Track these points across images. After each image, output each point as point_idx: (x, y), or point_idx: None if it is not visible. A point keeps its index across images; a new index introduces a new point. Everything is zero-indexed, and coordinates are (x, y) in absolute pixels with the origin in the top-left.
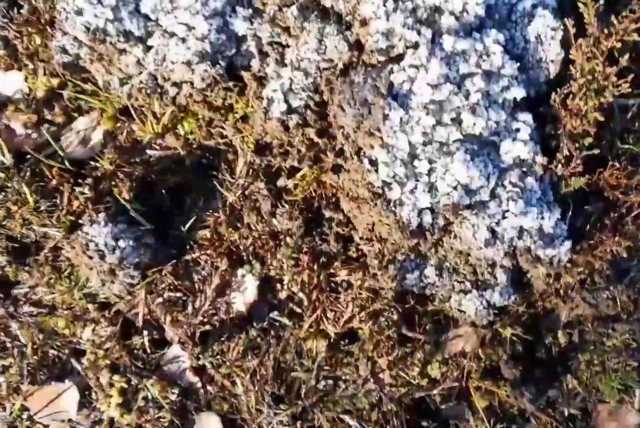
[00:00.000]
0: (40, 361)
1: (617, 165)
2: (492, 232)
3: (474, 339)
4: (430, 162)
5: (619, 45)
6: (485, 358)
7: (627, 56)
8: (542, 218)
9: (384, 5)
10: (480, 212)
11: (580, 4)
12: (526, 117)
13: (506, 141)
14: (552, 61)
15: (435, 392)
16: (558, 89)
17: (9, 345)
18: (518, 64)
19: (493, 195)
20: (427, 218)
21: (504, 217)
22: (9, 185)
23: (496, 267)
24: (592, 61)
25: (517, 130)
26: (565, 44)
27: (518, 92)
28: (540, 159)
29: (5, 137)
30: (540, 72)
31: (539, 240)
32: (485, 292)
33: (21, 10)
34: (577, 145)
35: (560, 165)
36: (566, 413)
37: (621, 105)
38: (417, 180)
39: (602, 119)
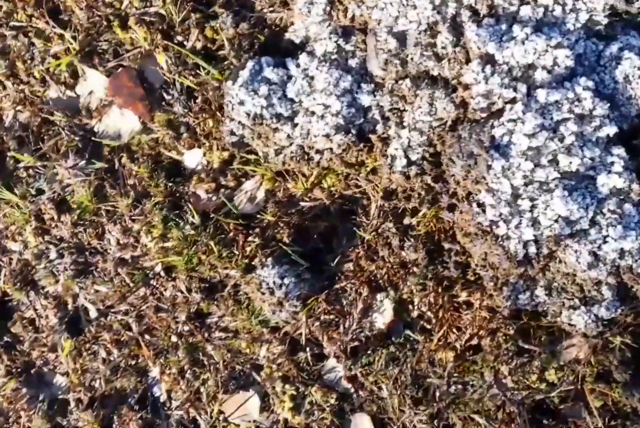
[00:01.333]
0: (229, 374)
1: None
2: (595, 255)
3: (586, 348)
4: (532, 200)
5: None
6: (598, 364)
7: None
8: None
9: (483, 71)
10: (581, 239)
11: None
12: (619, 151)
13: (602, 175)
14: None
15: (553, 394)
16: None
17: (206, 362)
18: (609, 104)
19: (593, 223)
20: (532, 249)
21: (604, 242)
22: (199, 239)
23: (602, 285)
24: None
25: (612, 163)
26: None
27: (610, 130)
28: (636, 187)
29: (193, 202)
30: (631, 108)
31: None
32: (593, 307)
33: (196, 101)
34: None
35: None
36: None
37: None
38: (521, 217)
39: None
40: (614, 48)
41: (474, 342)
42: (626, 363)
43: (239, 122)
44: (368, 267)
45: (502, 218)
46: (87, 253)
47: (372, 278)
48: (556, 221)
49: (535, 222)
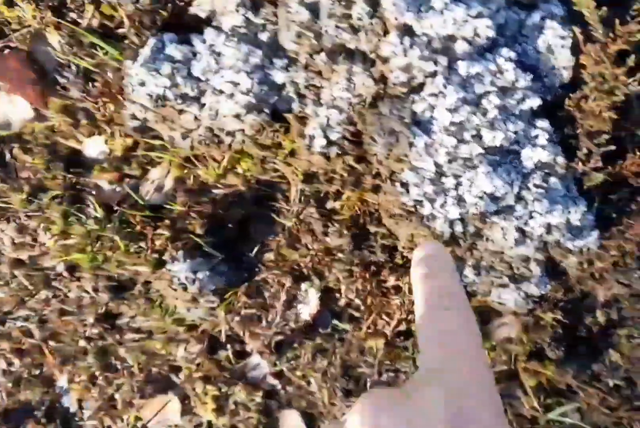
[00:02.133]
0: (146, 378)
1: (638, 153)
2: (522, 231)
3: (517, 326)
4: (456, 177)
5: (625, 47)
6: (530, 342)
7: (633, 57)
8: (569, 212)
9: (401, 43)
10: (508, 215)
11: (585, 12)
12: (543, 123)
13: (526, 148)
14: (564, 67)
15: None
16: (571, 94)
17: (119, 367)
18: (532, 76)
19: (519, 198)
20: (459, 227)
21: (531, 217)
22: (103, 234)
23: (530, 261)
24: (600, 64)
25: (536, 136)
26: (576, 50)
27: (533, 102)
28: (561, 160)
29: (95, 194)
30: (555, 79)
31: (567, 233)
32: (522, 285)
33: (95, 84)
34: (595, 142)
35: (580, 163)
36: (611, 384)
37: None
38: (446, 195)
39: (616, 117)
40: (535, 17)
41: (403, 327)
42: (558, 340)
43: (141, 105)
44: (290, 255)
45: (427, 197)
46: None
47: (296, 267)
48: (481, 198)
49: (460, 200)
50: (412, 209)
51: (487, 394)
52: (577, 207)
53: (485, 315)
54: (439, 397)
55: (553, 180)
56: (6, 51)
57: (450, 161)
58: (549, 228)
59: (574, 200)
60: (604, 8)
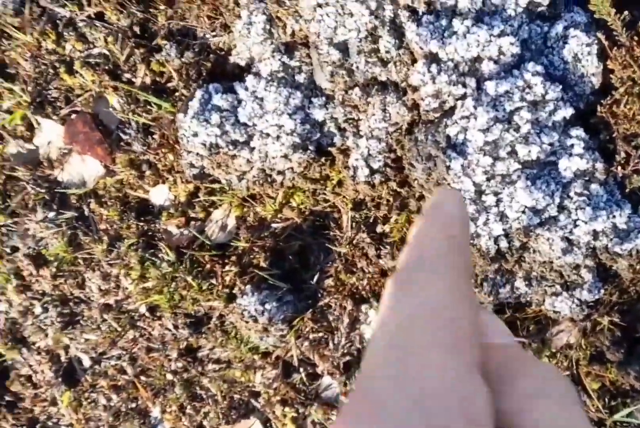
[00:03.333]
0: (229, 405)
1: None
2: (568, 240)
3: (575, 332)
4: (496, 194)
5: None
6: (590, 347)
7: None
8: (614, 217)
9: (429, 71)
10: (552, 226)
11: (607, 18)
12: (578, 132)
13: (563, 158)
14: (593, 74)
15: None
16: (602, 101)
17: (204, 396)
18: (560, 86)
19: (561, 208)
20: (504, 243)
21: (575, 226)
22: (177, 275)
23: (580, 268)
24: (629, 68)
25: (572, 146)
26: (602, 56)
27: (565, 112)
28: (600, 166)
29: (165, 239)
30: (584, 86)
31: (614, 237)
32: (575, 291)
33: (154, 136)
34: (632, 145)
35: (620, 167)
36: None
37: None
38: (488, 213)
39: None
40: (559, 28)
41: None
42: (617, 343)
43: (197, 154)
44: (348, 279)
45: (470, 216)
46: (71, 303)
47: (354, 290)
48: (523, 212)
49: (502, 216)
50: None
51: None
52: (622, 210)
53: (542, 324)
54: None
55: (594, 186)
56: (73, 116)
57: (488, 179)
58: (595, 234)
59: (618, 204)
60: (626, 12)
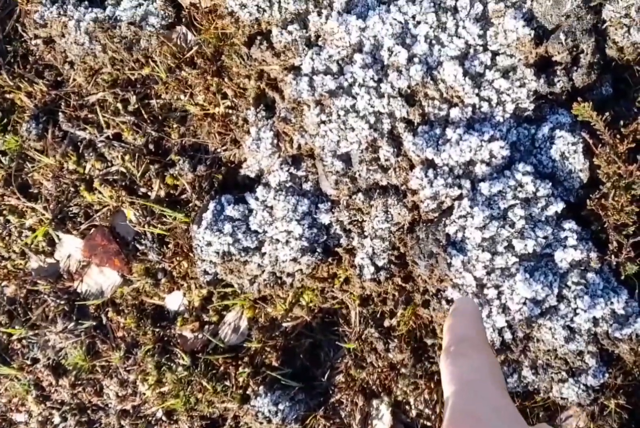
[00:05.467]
0: None
1: None
2: (570, 328)
3: (583, 417)
4: (497, 287)
5: (633, 145)
6: None
7: None
8: (612, 303)
9: (426, 176)
10: (553, 315)
11: (589, 120)
12: (570, 224)
13: (558, 250)
14: (580, 170)
15: None
16: (591, 195)
17: None
18: (550, 183)
19: (561, 297)
20: (507, 334)
21: (575, 314)
22: (192, 379)
23: (584, 354)
24: (613, 164)
25: (566, 238)
26: (588, 152)
27: (557, 207)
28: (594, 255)
29: (181, 344)
30: (573, 181)
31: (614, 322)
32: (581, 377)
33: (168, 246)
34: (623, 234)
35: (614, 256)
36: None
37: None
38: (490, 305)
39: (638, 209)
40: (545, 129)
41: None
42: (625, 425)
43: (210, 261)
44: (358, 375)
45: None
46: (89, 411)
47: (365, 385)
48: (524, 304)
49: (505, 308)
50: None
51: None
52: (619, 296)
53: (551, 410)
54: None
55: (590, 275)
56: (92, 230)
57: (488, 273)
58: (595, 321)
59: (615, 290)
60: (607, 114)
